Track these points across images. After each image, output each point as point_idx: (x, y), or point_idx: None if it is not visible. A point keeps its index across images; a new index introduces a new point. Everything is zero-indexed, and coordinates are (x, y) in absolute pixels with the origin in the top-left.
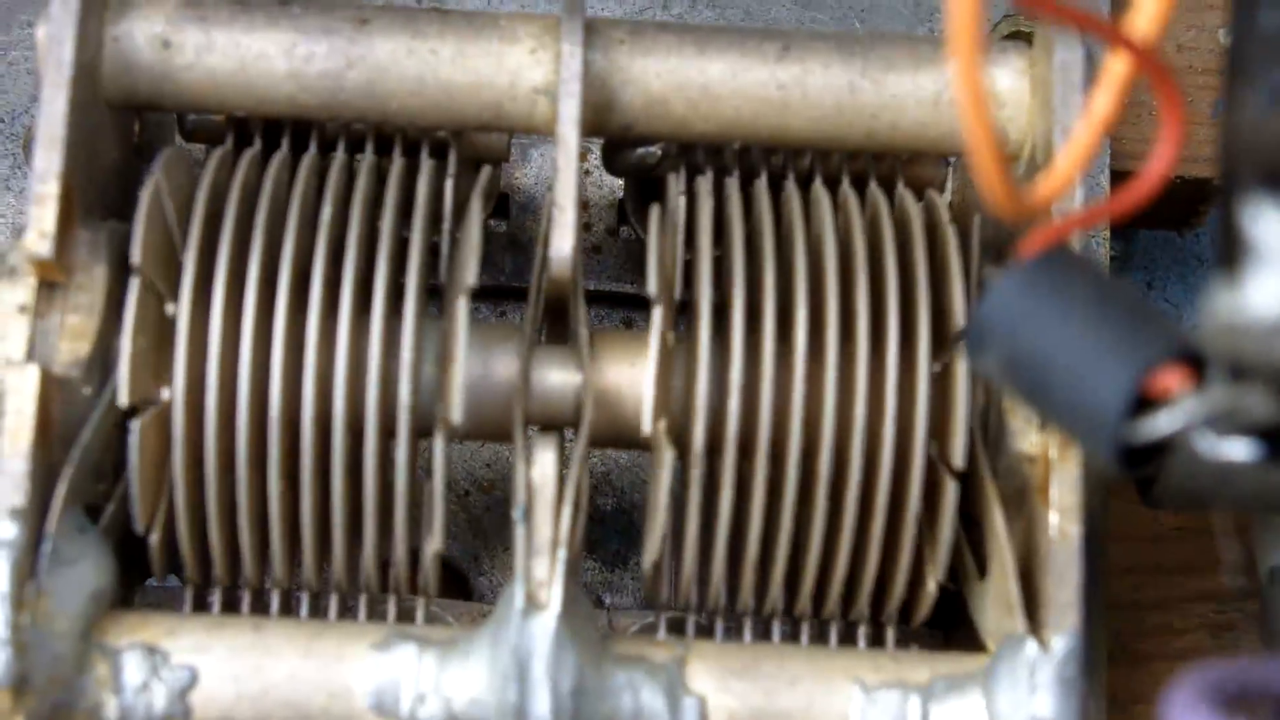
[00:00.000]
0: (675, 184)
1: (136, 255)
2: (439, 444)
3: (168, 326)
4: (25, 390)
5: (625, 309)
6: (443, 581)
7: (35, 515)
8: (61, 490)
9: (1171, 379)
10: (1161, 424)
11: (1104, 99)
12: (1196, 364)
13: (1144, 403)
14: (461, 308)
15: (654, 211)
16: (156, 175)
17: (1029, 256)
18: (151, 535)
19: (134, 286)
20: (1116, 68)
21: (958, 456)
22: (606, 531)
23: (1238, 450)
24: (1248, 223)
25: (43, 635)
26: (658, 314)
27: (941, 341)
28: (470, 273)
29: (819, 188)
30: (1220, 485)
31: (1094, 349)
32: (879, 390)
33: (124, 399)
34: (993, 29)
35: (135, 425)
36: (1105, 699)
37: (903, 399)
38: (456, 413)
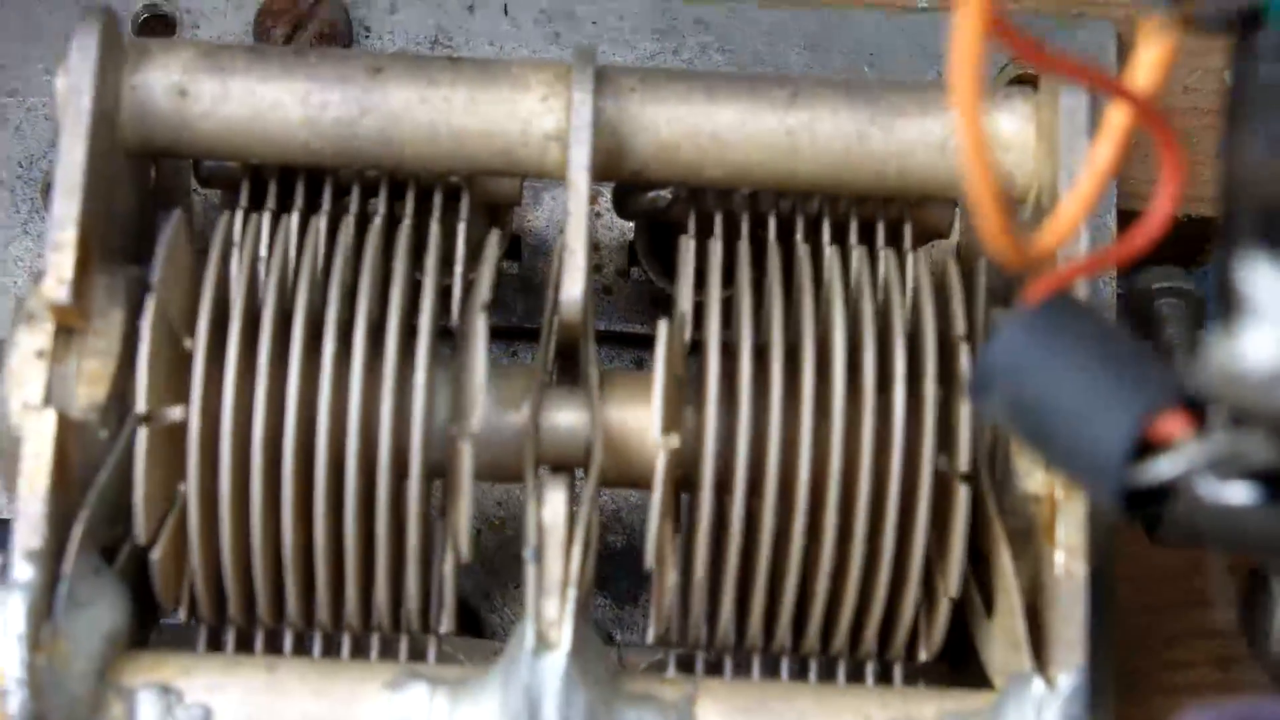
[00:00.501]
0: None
1: (155, 281)
2: (465, 454)
3: (183, 359)
4: (43, 434)
5: (636, 349)
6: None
7: (52, 557)
8: (78, 533)
9: (1173, 424)
10: (1163, 468)
11: (1104, 149)
12: (1198, 410)
13: (1146, 447)
14: (480, 326)
15: (682, 242)
16: (177, 218)
17: (1033, 303)
18: (154, 551)
19: (150, 309)
20: (1116, 119)
21: (963, 464)
22: (616, 569)
23: (1238, 494)
24: (1242, 277)
25: (59, 676)
26: (663, 332)
27: (946, 378)
28: (486, 292)
29: (827, 232)
30: (1222, 527)
31: (1097, 394)
32: (886, 422)
33: (142, 407)
34: (999, 71)
35: (142, 436)
36: None
37: (909, 432)
38: (476, 421)
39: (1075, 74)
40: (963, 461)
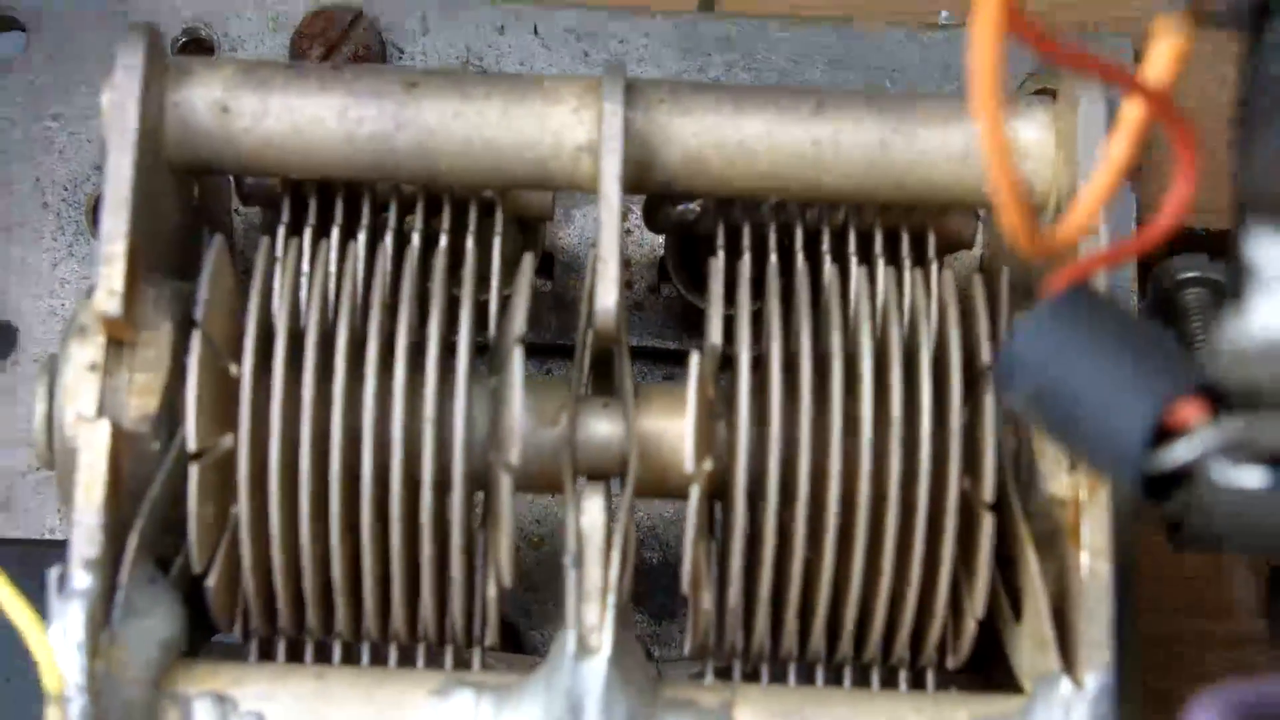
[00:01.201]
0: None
1: (200, 315)
2: (505, 482)
3: (229, 384)
4: (97, 446)
5: (667, 365)
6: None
7: (108, 566)
8: (133, 542)
9: (1189, 411)
10: (1180, 453)
11: (1120, 142)
12: (1215, 396)
13: (1164, 433)
14: (516, 359)
15: (712, 263)
16: (219, 242)
17: (1052, 295)
18: (209, 578)
19: (196, 344)
20: (1131, 113)
21: (988, 494)
22: (653, 585)
23: (1252, 478)
24: (1250, 250)
25: (116, 682)
26: (695, 361)
27: (971, 388)
28: (521, 323)
29: (853, 243)
30: (1237, 516)
31: (1116, 383)
32: (914, 436)
33: (192, 446)
34: (1019, 87)
35: (194, 470)
36: None
37: (936, 444)
38: (514, 454)
39: (1089, 67)
40: (987, 490)
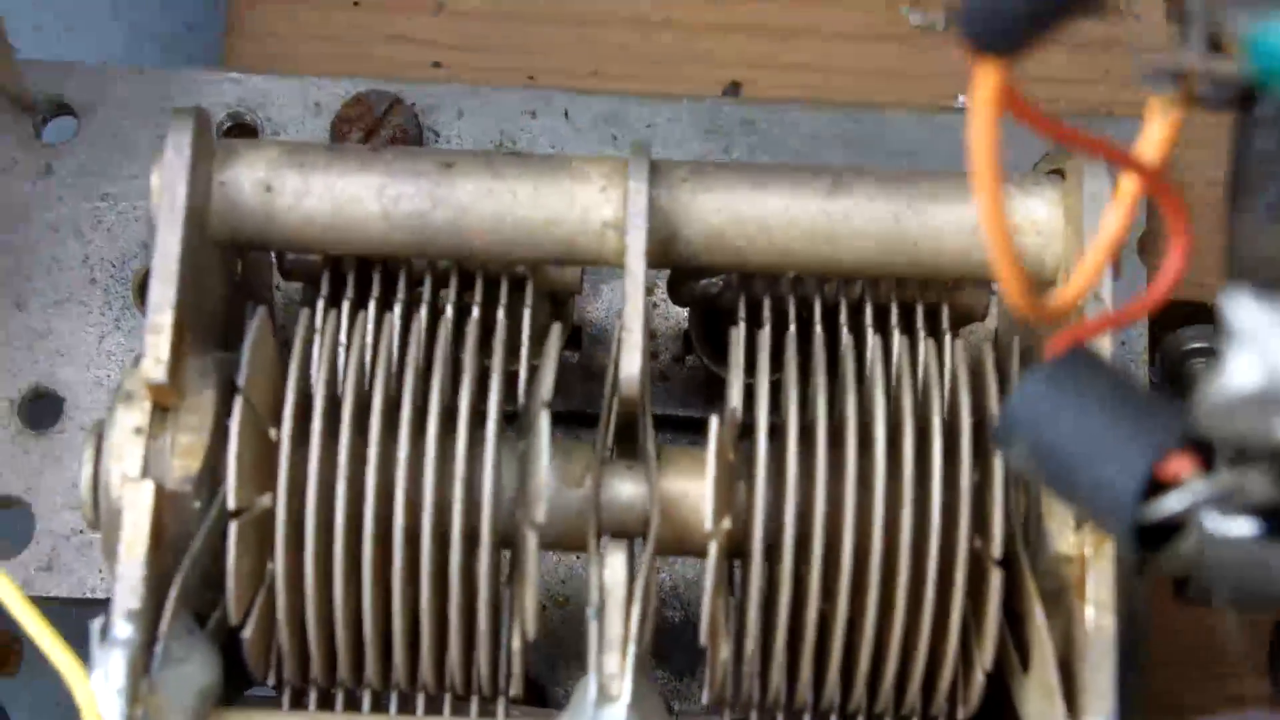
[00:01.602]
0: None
1: (243, 380)
2: (531, 539)
3: (269, 446)
4: (140, 505)
5: (691, 433)
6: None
7: (149, 617)
8: (173, 594)
9: (1180, 464)
10: (1171, 504)
11: (1115, 215)
12: (1205, 450)
13: (1157, 486)
14: (543, 421)
15: (732, 333)
16: (262, 312)
17: (1052, 357)
18: (246, 630)
19: (238, 408)
20: (1126, 186)
21: (996, 549)
22: (674, 643)
23: (1242, 528)
24: (1228, 310)
25: None
26: (715, 425)
27: (981, 452)
28: (548, 388)
29: (869, 315)
30: (1228, 567)
31: (1110, 438)
32: (925, 500)
33: (232, 504)
34: (1034, 167)
35: (234, 528)
36: None
37: (947, 504)
38: (540, 513)
39: (1085, 144)
40: (996, 548)
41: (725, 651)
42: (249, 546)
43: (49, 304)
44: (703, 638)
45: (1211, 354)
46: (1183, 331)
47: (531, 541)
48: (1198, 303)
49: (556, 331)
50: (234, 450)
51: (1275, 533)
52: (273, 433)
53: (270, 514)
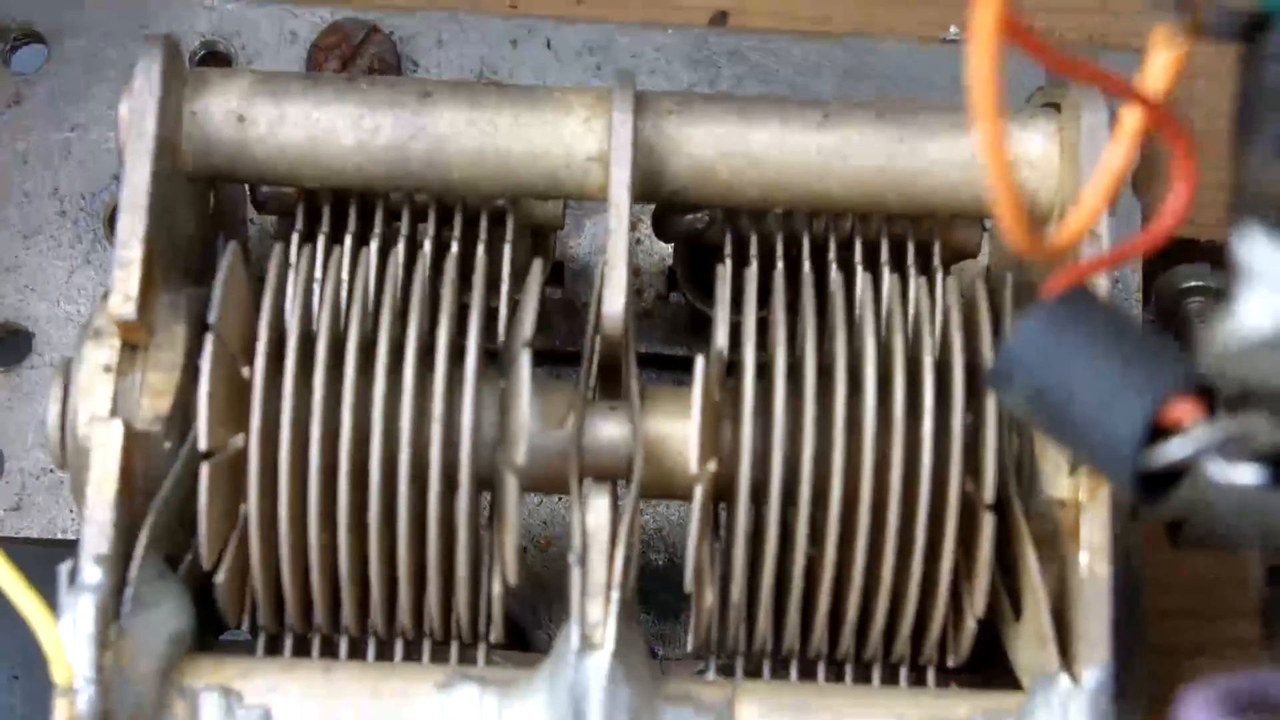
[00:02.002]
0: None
1: (214, 317)
2: (510, 481)
3: (242, 385)
4: (110, 445)
5: (676, 372)
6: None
7: (119, 562)
8: (143, 539)
9: (1183, 409)
10: (1173, 451)
11: (1118, 149)
12: (1208, 395)
13: (1158, 432)
14: (524, 361)
15: (719, 269)
16: (234, 248)
17: (1050, 298)
18: (219, 574)
19: (210, 345)
20: (1129, 120)
21: (989, 492)
22: (658, 585)
23: (1245, 475)
24: (1240, 249)
25: (125, 675)
26: (700, 366)
27: (974, 392)
28: (529, 327)
29: (859, 252)
30: (1232, 513)
31: (1111, 382)
32: (915, 441)
33: (203, 445)
34: (1028, 100)
35: (205, 469)
36: None
37: (938, 446)
38: (520, 454)
39: (1088, 76)
40: (988, 491)
41: (710, 598)
42: (221, 488)
43: (17, 237)
44: (688, 584)
45: (1207, 293)
46: (1178, 269)
47: (511, 484)
48: (1189, 239)
49: (538, 268)
50: (205, 389)
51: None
52: (245, 371)
53: (243, 455)
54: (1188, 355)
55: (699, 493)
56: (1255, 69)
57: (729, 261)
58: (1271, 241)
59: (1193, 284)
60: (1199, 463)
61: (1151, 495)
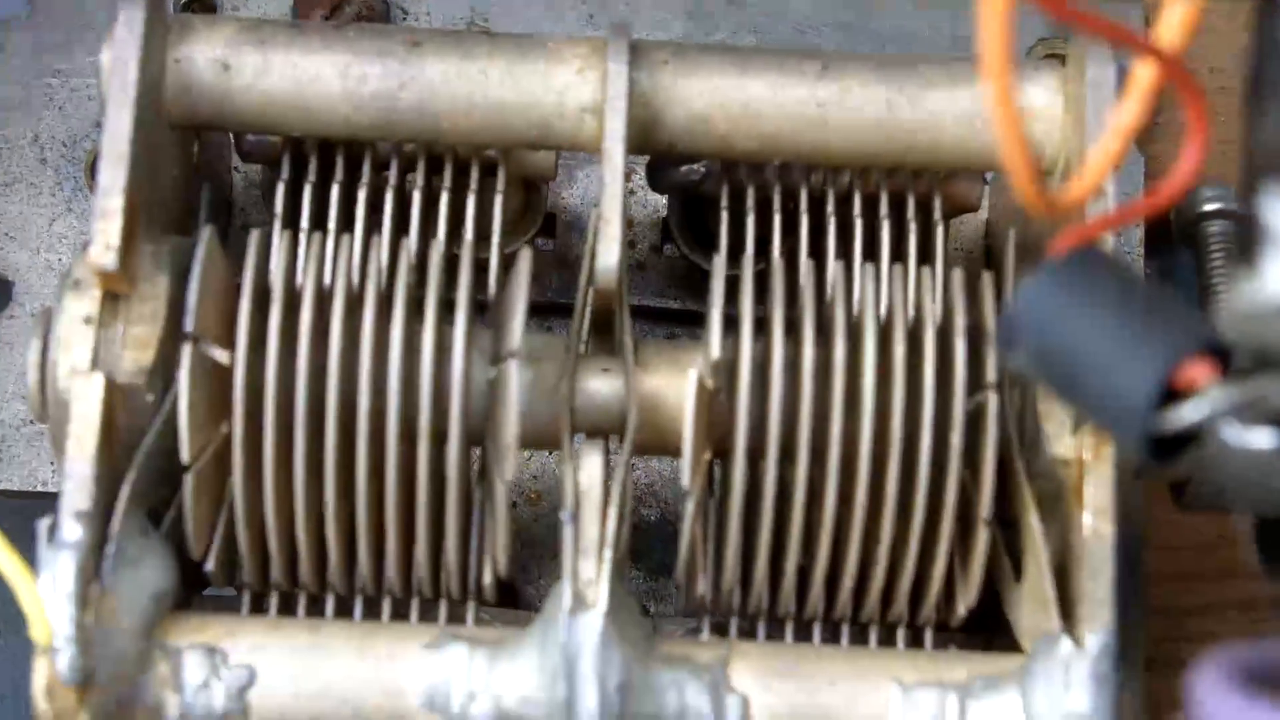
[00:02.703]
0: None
1: (191, 324)
2: (500, 490)
3: (223, 374)
4: (90, 398)
5: (669, 324)
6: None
7: (100, 518)
8: (125, 494)
9: (1198, 371)
10: (1187, 414)
11: (1130, 105)
12: (1223, 356)
13: (1171, 394)
14: (512, 371)
15: (716, 260)
16: (210, 233)
17: (1059, 256)
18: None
19: (186, 357)
20: (1142, 75)
21: (990, 451)
22: (651, 541)
23: (1261, 439)
24: (1264, 212)
25: (106, 633)
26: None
27: (976, 348)
28: (517, 335)
29: (857, 205)
30: (1246, 477)
31: (1123, 343)
32: (916, 392)
33: (185, 457)
34: (1028, 51)
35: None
36: (1144, 703)
37: (939, 401)
38: (509, 470)
39: (1099, 30)
40: (990, 450)
41: (703, 587)
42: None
43: None
44: (678, 576)
45: (1227, 216)
46: (1200, 190)
47: (501, 492)
48: None
49: (526, 263)
50: (185, 402)
51: None
52: (225, 356)
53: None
54: (1200, 315)
55: (695, 492)
56: (1272, 25)
57: (725, 214)
58: None
59: (1214, 207)
60: (1214, 426)
61: (1162, 458)
